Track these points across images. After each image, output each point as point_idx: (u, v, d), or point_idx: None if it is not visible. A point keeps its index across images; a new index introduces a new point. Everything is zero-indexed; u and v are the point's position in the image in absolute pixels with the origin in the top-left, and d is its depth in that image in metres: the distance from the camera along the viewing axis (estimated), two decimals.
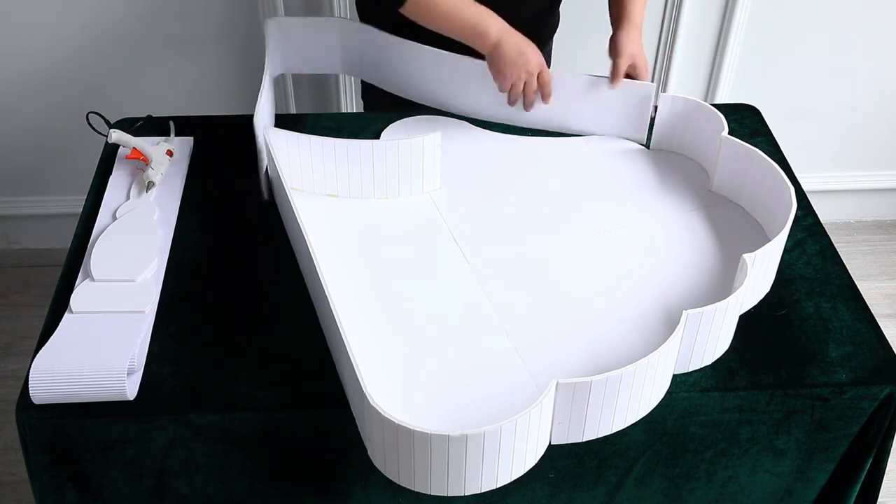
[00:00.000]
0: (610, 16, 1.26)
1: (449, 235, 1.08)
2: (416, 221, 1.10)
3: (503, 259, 1.05)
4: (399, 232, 1.08)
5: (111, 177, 1.16)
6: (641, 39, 1.21)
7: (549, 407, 0.81)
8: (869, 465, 1.01)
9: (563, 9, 1.38)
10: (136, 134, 1.22)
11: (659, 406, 0.91)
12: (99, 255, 1.02)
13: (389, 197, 1.13)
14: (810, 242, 1.11)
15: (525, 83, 1.16)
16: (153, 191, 1.12)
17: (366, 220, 1.10)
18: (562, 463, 0.96)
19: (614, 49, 1.20)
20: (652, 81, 1.86)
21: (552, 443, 0.86)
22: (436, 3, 1.11)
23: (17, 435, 0.92)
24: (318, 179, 1.11)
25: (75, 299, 0.97)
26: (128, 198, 1.12)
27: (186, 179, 1.17)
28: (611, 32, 1.24)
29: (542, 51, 1.37)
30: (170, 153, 1.17)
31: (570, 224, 1.10)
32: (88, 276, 1.00)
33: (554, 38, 1.42)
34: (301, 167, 1.10)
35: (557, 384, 0.80)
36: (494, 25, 1.12)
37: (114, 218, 1.08)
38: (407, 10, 1.12)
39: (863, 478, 1.02)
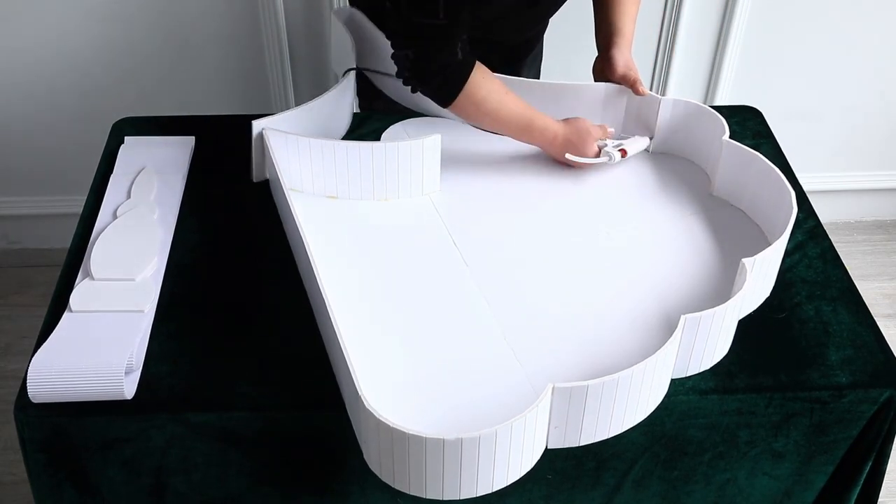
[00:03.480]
0: (596, 32, 1.24)
1: (448, 237, 1.08)
2: (415, 223, 1.10)
3: (502, 261, 1.05)
4: (398, 234, 1.08)
5: (112, 176, 1.16)
6: (631, 54, 1.21)
7: (546, 411, 0.81)
8: (868, 468, 1.01)
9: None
10: (139, 134, 1.23)
11: (657, 408, 0.91)
12: (99, 253, 1.02)
13: (389, 199, 1.12)
14: (811, 245, 1.11)
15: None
16: (153, 190, 1.12)
17: (365, 222, 1.10)
18: (560, 464, 0.96)
19: (609, 67, 1.18)
20: (651, 82, 1.87)
21: (549, 447, 0.85)
22: (483, 103, 1.08)
23: (16, 434, 0.92)
24: (318, 181, 1.11)
25: (75, 298, 0.97)
26: (128, 197, 1.12)
27: (187, 179, 1.17)
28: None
29: (534, 47, 1.34)
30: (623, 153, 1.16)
31: (569, 227, 1.10)
32: (88, 274, 1.00)
33: (545, 39, 1.41)
34: (300, 168, 1.10)
35: (554, 388, 0.80)
36: (537, 139, 1.13)
37: (114, 217, 1.08)
38: (455, 108, 1.09)
39: (862, 481, 1.02)
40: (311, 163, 1.10)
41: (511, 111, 1.10)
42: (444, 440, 0.76)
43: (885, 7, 1.79)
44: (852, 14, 1.79)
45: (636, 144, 1.18)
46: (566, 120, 1.15)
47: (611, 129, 1.18)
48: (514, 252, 1.06)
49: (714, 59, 1.83)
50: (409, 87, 1.08)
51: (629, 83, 1.17)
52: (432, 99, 1.08)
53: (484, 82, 1.07)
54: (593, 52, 1.25)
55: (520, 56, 1.35)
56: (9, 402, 0.95)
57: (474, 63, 1.06)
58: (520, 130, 1.12)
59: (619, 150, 1.15)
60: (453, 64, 1.04)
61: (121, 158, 1.19)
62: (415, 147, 1.09)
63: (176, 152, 1.20)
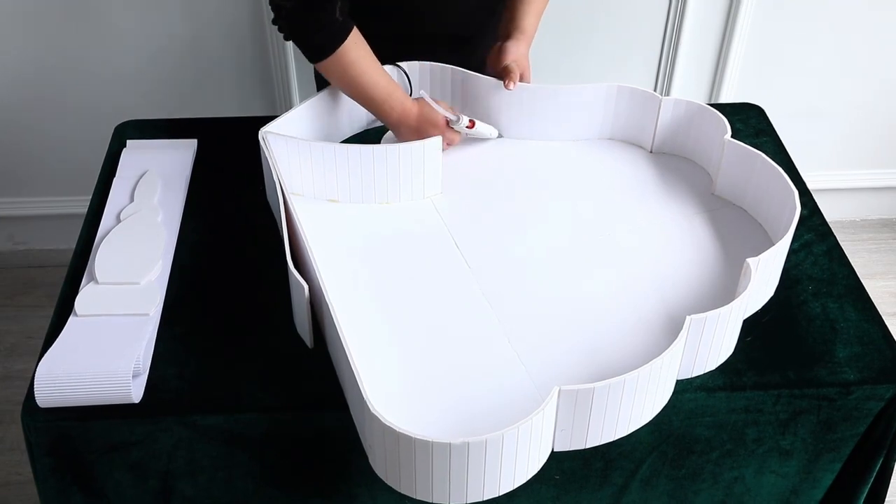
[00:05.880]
0: (500, 22, 1.23)
1: (450, 240, 1.07)
2: (417, 226, 1.10)
3: (505, 264, 1.04)
4: (400, 237, 1.08)
5: (115, 179, 1.15)
6: (528, 52, 1.20)
7: (552, 414, 0.81)
8: (878, 466, 1.01)
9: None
10: (142, 136, 1.23)
11: (665, 407, 0.91)
12: (103, 257, 1.02)
13: (390, 202, 1.12)
14: (817, 243, 1.11)
15: None
16: (156, 193, 1.12)
17: (366, 225, 1.10)
18: (568, 464, 0.96)
19: (501, 57, 1.18)
20: (656, 79, 1.86)
21: (555, 450, 0.85)
22: (352, 66, 1.07)
23: (22, 435, 0.92)
24: (319, 184, 1.11)
25: (80, 302, 0.97)
26: (131, 200, 1.12)
27: (191, 181, 1.17)
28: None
29: (490, 23, 1.27)
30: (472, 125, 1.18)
31: (572, 228, 1.10)
32: (93, 278, 1.00)
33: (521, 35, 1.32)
34: (301, 172, 1.10)
35: (560, 391, 0.80)
36: (396, 110, 1.12)
37: (118, 220, 1.08)
38: (322, 66, 1.09)
39: (871, 479, 1.02)
40: (311, 166, 1.09)
41: (375, 80, 1.10)
42: (450, 444, 0.76)
43: (890, 5, 1.78)
44: (857, 11, 1.78)
45: (485, 127, 1.19)
46: (416, 100, 1.14)
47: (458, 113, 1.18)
48: (517, 254, 1.06)
49: (718, 56, 1.82)
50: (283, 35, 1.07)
51: (506, 74, 1.16)
52: (303, 52, 1.08)
53: (356, 47, 1.07)
54: (586, 54, 1.24)
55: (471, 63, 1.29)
56: (15, 403, 0.95)
57: (352, 28, 1.07)
58: (380, 100, 1.11)
59: (469, 120, 1.16)
60: (331, 24, 1.04)
61: (123, 162, 1.18)
62: (416, 149, 1.09)
63: (179, 155, 1.20)
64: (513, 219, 1.11)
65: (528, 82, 1.18)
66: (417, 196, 1.13)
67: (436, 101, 1.13)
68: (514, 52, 1.17)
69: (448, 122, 1.15)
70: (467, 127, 1.16)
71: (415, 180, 1.11)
